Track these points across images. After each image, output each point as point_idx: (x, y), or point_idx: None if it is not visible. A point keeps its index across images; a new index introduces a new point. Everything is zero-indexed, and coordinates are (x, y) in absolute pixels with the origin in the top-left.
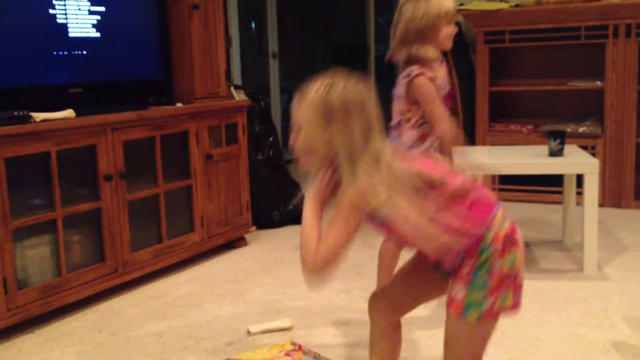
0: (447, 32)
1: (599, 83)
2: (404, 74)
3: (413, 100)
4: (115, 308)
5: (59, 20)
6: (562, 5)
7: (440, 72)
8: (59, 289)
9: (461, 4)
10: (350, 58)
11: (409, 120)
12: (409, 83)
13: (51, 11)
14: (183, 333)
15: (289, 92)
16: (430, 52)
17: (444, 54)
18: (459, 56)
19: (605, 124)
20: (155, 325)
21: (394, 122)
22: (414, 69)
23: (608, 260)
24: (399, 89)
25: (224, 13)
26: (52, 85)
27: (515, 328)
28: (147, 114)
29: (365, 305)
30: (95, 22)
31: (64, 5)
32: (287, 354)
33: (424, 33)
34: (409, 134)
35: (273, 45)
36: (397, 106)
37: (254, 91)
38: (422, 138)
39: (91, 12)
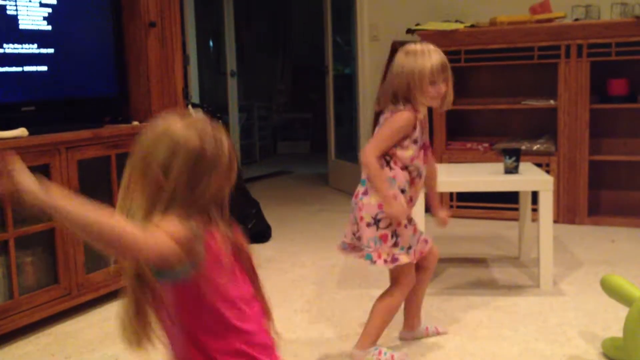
0: (431, 93)
1: (552, 102)
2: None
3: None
4: (70, 331)
5: (10, 33)
6: (515, 26)
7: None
8: (11, 312)
9: (417, 24)
10: (309, 77)
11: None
12: (392, 113)
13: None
14: (139, 356)
15: (247, 110)
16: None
17: None
18: None
19: (559, 142)
20: (110, 348)
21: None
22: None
23: (563, 275)
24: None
25: (181, 31)
26: (4, 103)
27: (473, 344)
28: (102, 132)
29: (324, 324)
30: (49, 39)
31: (16, 11)
32: None
33: (410, 90)
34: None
35: (231, 63)
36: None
37: (211, 109)
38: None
39: (44, 29)
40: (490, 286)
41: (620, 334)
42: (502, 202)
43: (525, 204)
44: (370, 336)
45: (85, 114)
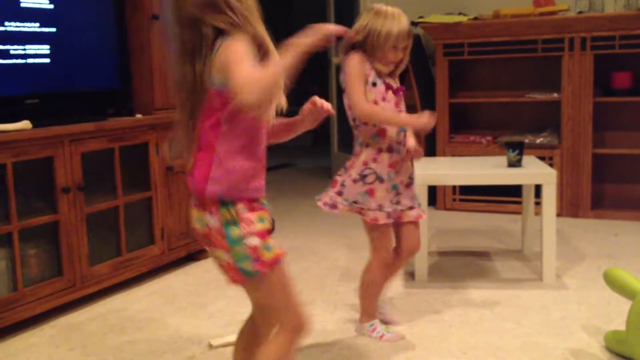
0: (391, 56)
1: (555, 95)
2: (395, 84)
3: None
4: (74, 323)
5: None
6: (519, 18)
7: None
8: (15, 304)
9: (420, 17)
10: (311, 69)
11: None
12: (344, 62)
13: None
14: (143, 348)
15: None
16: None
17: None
18: (419, 69)
19: (562, 135)
20: (114, 340)
21: (350, 123)
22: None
23: (566, 269)
24: (402, 104)
25: None
26: (8, 96)
27: (476, 337)
28: (105, 125)
29: (327, 316)
30: (53, 32)
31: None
32: None
33: (373, 49)
34: (366, 131)
35: None
36: (346, 101)
37: None
38: (380, 134)
39: (48, 22)
40: (493, 279)
41: (623, 327)
42: (505, 195)
43: (529, 197)
44: (365, 310)
45: (88, 107)
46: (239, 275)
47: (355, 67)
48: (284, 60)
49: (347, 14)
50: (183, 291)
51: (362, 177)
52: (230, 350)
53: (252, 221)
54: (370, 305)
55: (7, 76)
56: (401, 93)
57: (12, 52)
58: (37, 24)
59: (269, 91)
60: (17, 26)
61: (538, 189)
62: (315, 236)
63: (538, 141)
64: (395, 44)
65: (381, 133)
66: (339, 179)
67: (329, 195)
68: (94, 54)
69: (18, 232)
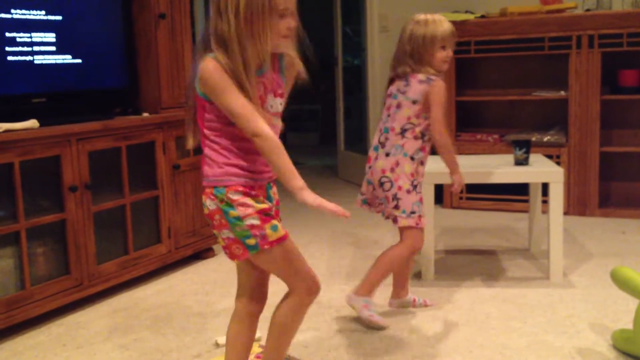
0: (441, 56)
1: (562, 93)
2: (418, 78)
3: (427, 107)
4: (81, 321)
5: (20, 25)
6: (526, 16)
7: None
8: (22, 303)
9: None
10: (318, 68)
11: (413, 129)
12: (431, 86)
13: (8, 16)
14: (150, 346)
15: None
16: (428, 72)
17: None
18: None
19: (570, 133)
20: (121, 339)
21: (396, 130)
22: (431, 76)
23: (573, 267)
24: (413, 94)
25: (191, 22)
26: (15, 95)
27: (482, 336)
28: (112, 124)
29: (334, 315)
30: (59, 31)
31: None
32: (257, 357)
33: (421, 55)
34: (413, 145)
35: None
36: (404, 112)
37: None
38: (422, 149)
39: (55, 20)
40: (500, 278)
41: (630, 326)
42: (512, 193)
43: (536, 195)
44: (368, 285)
45: (95, 106)
46: (244, 249)
47: (443, 92)
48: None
49: (354, 5)
50: (190, 290)
51: (414, 187)
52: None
53: (248, 204)
54: (377, 282)
55: (14, 75)
56: None
57: (18, 46)
58: (44, 17)
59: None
60: (24, 20)
61: (545, 187)
62: (322, 235)
63: (545, 139)
64: (443, 44)
65: (423, 149)
66: (388, 194)
67: (388, 211)
68: (101, 53)
69: (25, 231)
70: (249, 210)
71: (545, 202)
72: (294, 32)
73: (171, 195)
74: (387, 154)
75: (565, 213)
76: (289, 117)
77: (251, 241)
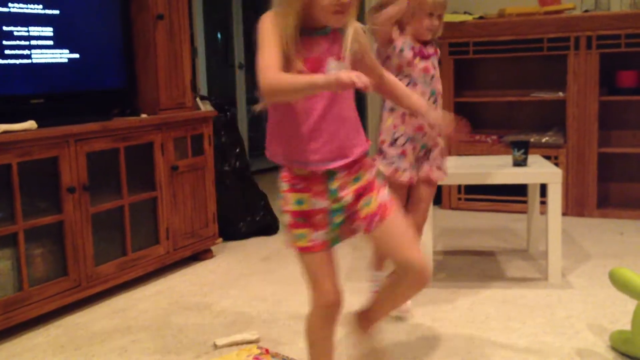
0: (426, 24)
1: (561, 94)
2: (429, 50)
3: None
4: (79, 323)
5: (17, 19)
6: (524, 17)
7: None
8: (21, 304)
9: None
10: None
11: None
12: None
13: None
14: (149, 347)
15: (255, 103)
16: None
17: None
18: None
19: (568, 134)
20: (120, 340)
21: (431, 102)
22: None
23: (572, 268)
24: (435, 62)
25: (189, 23)
26: (13, 96)
27: (481, 337)
28: (111, 125)
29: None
30: (58, 31)
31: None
32: (256, 358)
33: (408, 18)
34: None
35: (239, 56)
36: (437, 83)
37: (220, 102)
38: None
39: (53, 20)
40: (499, 279)
41: (628, 327)
42: (510, 194)
43: (534, 196)
44: (377, 261)
45: (94, 107)
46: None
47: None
48: (300, 80)
49: None
50: (188, 291)
51: (395, 140)
52: (235, 349)
53: (288, 201)
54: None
55: (13, 76)
56: (433, 58)
57: (15, 40)
58: (42, 22)
59: (278, 94)
60: (21, 14)
61: (543, 188)
62: None
63: (543, 140)
64: (432, 11)
65: None
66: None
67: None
68: (99, 54)
69: (23, 232)
70: (286, 207)
71: (543, 203)
72: (347, 8)
73: (169, 197)
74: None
75: (564, 214)
76: None
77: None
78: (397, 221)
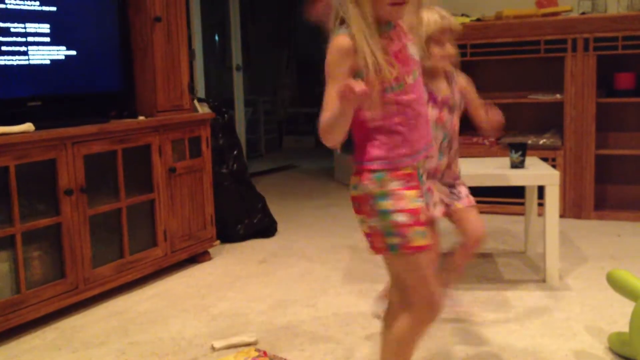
0: (437, 53)
1: (558, 96)
2: (443, 94)
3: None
4: (76, 325)
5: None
6: (522, 19)
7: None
8: (18, 307)
9: None
10: (314, 71)
11: (457, 129)
12: (464, 89)
13: (7, 24)
14: (146, 350)
15: (252, 105)
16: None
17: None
18: None
19: (565, 136)
20: (117, 343)
21: (444, 145)
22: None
23: (569, 270)
24: (455, 97)
25: (187, 25)
26: (10, 98)
27: (479, 338)
28: (108, 127)
29: (330, 318)
30: (55, 33)
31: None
32: None
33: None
34: (457, 140)
35: (237, 58)
36: (452, 125)
37: (217, 104)
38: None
39: (51, 22)
40: (496, 280)
41: (626, 329)
42: (508, 196)
43: (532, 198)
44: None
45: (91, 109)
46: (384, 246)
47: None
48: (329, 114)
49: None
50: (186, 293)
51: None
52: (232, 352)
53: (403, 197)
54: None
55: (10, 78)
56: (444, 105)
57: (12, 45)
58: (39, 23)
59: (327, 134)
60: (17, 10)
61: (541, 190)
62: (318, 237)
63: (541, 142)
64: (438, 39)
65: None
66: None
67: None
68: (97, 56)
69: (21, 235)
70: (404, 206)
71: (541, 204)
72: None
73: (167, 199)
74: None
75: (561, 216)
76: (285, 120)
77: (393, 240)
78: None
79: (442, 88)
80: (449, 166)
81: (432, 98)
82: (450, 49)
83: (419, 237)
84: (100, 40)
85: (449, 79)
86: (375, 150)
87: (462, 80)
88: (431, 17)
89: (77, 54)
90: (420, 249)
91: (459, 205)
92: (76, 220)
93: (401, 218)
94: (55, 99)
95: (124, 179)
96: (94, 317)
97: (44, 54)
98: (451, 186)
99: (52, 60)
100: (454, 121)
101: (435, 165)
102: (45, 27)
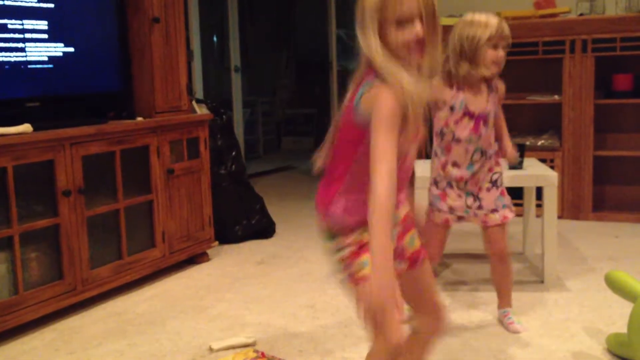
0: (489, 56)
1: (556, 97)
2: (484, 106)
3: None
4: (74, 326)
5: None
6: (520, 21)
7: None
8: (16, 308)
9: None
10: (313, 72)
11: (492, 139)
12: (500, 98)
13: (4, 20)
14: (145, 351)
15: (251, 106)
16: (481, 71)
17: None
18: None
19: (564, 137)
20: (115, 344)
21: (476, 157)
22: (499, 83)
23: (567, 271)
24: (491, 116)
25: (185, 26)
26: (9, 99)
27: (477, 340)
28: (106, 128)
29: (329, 319)
30: (54, 34)
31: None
32: None
33: (471, 55)
34: (491, 147)
35: (235, 59)
36: (487, 138)
37: (216, 105)
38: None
39: (49, 23)
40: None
41: (624, 330)
42: None
43: (530, 199)
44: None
45: (89, 110)
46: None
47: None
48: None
49: (348, 8)
50: (184, 294)
51: (436, 182)
52: (231, 352)
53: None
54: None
55: (8, 79)
56: (480, 120)
57: (9, 33)
58: (38, 22)
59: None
60: (15, 7)
61: (539, 191)
62: (317, 238)
63: (539, 143)
64: (497, 42)
65: (445, 148)
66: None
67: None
68: (95, 56)
69: (19, 236)
70: (348, 240)
71: (539, 205)
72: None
73: (165, 200)
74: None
75: (559, 217)
76: (283, 121)
77: (340, 274)
78: (428, 265)
79: (480, 102)
80: (473, 176)
81: (469, 113)
82: (503, 55)
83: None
84: (99, 40)
85: (490, 87)
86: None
87: (502, 88)
88: (492, 20)
89: (75, 53)
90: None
91: (474, 220)
92: (74, 221)
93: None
94: (54, 99)
95: (122, 180)
96: (92, 318)
97: (41, 51)
98: (476, 197)
99: (50, 58)
100: (489, 132)
101: (460, 175)
102: (43, 24)
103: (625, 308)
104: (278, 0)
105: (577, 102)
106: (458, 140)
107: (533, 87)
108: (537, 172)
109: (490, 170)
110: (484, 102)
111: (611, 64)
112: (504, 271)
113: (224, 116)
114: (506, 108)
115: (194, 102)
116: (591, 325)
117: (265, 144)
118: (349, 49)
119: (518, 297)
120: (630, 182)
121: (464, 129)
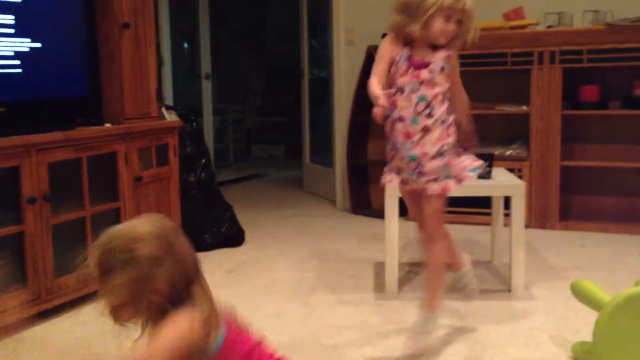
0: (440, 27)
1: (525, 108)
2: (433, 58)
3: (448, 75)
4: (38, 336)
5: None
6: (489, 32)
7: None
8: None
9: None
10: (284, 80)
11: (441, 99)
12: (450, 56)
13: None
14: None
15: (221, 113)
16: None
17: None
18: None
19: (531, 147)
20: (80, 353)
21: (420, 108)
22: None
23: (534, 280)
24: (436, 67)
25: (155, 32)
26: None
27: (444, 348)
28: (73, 134)
29: (299, 329)
30: (20, 38)
31: None
32: None
33: (422, 17)
34: (442, 109)
35: (206, 66)
36: (431, 88)
37: (185, 112)
38: (448, 112)
39: (15, 27)
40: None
41: (590, 338)
42: (474, 206)
43: (498, 208)
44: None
45: (57, 116)
46: None
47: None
48: None
49: (320, 17)
50: None
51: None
52: None
53: None
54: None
55: None
56: (434, 64)
57: None
58: (4, 26)
59: None
60: None
61: (507, 200)
62: (287, 247)
63: (507, 153)
64: (449, 14)
65: (392, 104)
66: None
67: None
68: (63, 61)
69: None
70: None
71: (507, 215)
72: None
73: (133, 208)
74: None
75: (527, 226)
76: (254, 128)
77: None
78: None
79: (425, 54)
80: (421, 137)
81: (412, 62)
82: (452, 29)
83: None
84: (67, 46)
85: (438, 51)
86: None
87: (455, 57)
88: None
89: (42, 55)
90: None
91: (416, 185)
92: (39, 229)
93: None
94: (20, 105)
95: (88, 187)
96: (57, 328)
97: (7, 47)
98: (419, 163)
99: (17, 66)
100: (435, 88)
101: (405, 130)
102: (10, 19)
103: (590, 317)
104: (250, 6)
105: (545, 113)
106: (402, 90)
107: (502, 97)
108: (505, 182)
109: (440, 139)
110: (430, 56)
111: (578, 75)
112: (428, 258)
113: (193, 123)
114: (475, 118)
115: (163, 109)
116: (557, 334)
117: (235, 151)
118: (320, 57)
119: (485, 305)
120: (596, 192)
121: (406, 76)
